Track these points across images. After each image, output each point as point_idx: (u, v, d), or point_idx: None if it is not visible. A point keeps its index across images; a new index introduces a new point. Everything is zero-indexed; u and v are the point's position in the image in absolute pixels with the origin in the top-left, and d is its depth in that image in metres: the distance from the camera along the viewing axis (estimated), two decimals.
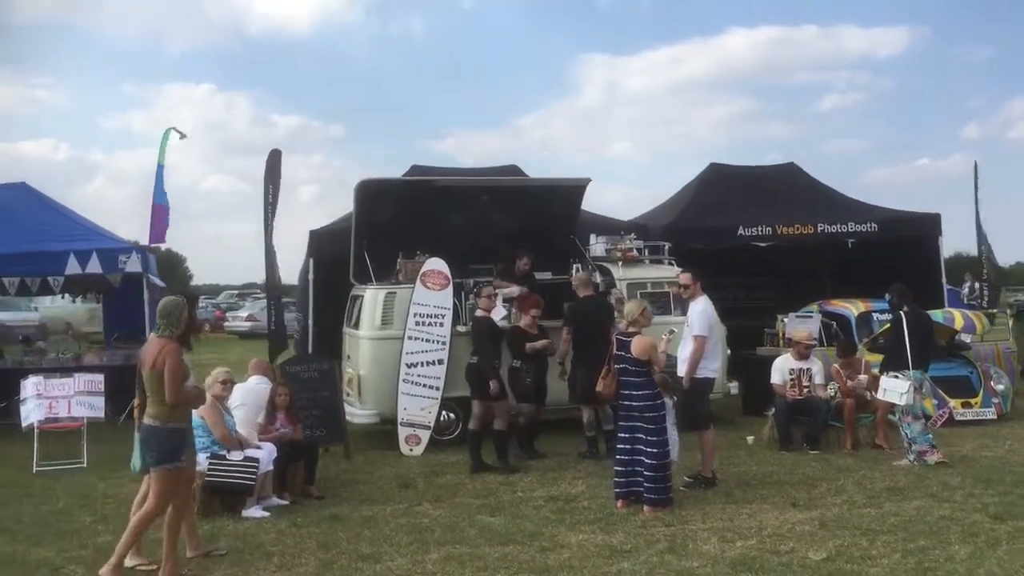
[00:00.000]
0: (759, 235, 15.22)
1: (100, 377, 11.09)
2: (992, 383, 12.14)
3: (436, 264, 11.22)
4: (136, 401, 6.62)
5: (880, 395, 9.68)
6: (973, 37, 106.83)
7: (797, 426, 10.61)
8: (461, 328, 11.20)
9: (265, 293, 17.18)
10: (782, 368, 10.93)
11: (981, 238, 16.92)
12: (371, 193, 11.82)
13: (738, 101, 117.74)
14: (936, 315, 11.68)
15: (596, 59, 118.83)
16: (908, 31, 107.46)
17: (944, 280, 15.85)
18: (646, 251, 12.81)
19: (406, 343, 10.96)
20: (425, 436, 10.91)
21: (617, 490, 8.16)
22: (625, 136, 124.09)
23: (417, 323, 11.01)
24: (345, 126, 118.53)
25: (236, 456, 8.20)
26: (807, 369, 10.85)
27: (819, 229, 15.39)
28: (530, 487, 9.02)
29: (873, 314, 13.23)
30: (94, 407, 10.87)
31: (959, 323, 12.32)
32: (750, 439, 10.92)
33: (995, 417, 11.87)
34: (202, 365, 17.38)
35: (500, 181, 13.25)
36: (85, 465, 10.33)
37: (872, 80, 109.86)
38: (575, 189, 12.61)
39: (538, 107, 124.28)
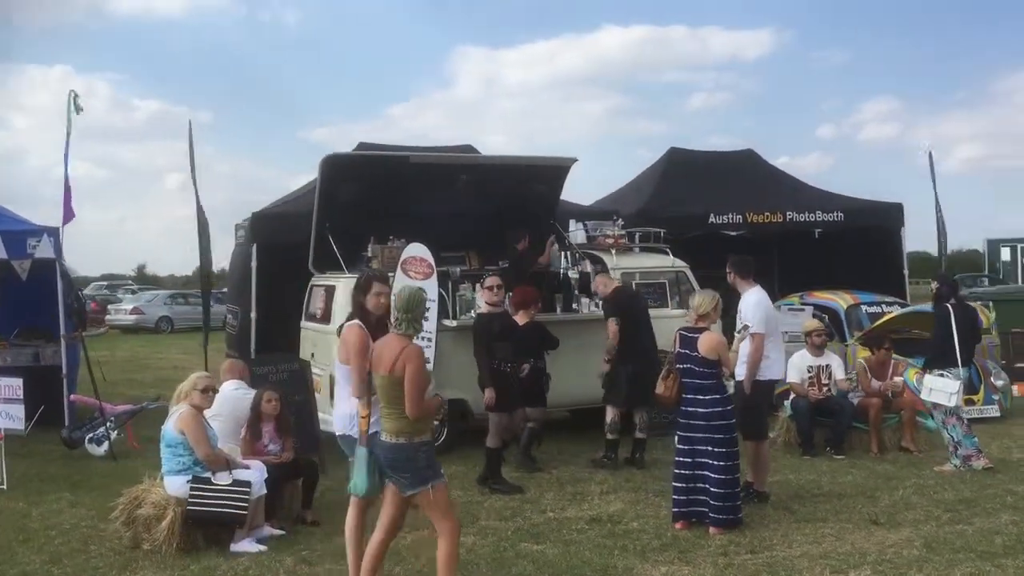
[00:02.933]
0: (729, 223, 14.52)
1: (19, 382, 9.40)
2: (992, 379, 11.61)
3: (418, 250, 9.89)
4: (361, 411, 5.45)
5: (925, 395, 8.86)
6: (829, 42, 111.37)
7: (818, 428, 9.78)
8: (448, 322, 9.93)
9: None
10: (799, 365, 10.02)
11: (941, 232, 16.54)
12: (338, 170, 10.38)
13: (611, 97, 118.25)
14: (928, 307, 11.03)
15: (472, 52, 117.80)
16: (770, 34, 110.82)
17: (907, 272, 15.50)
18: (627, 238, 11.81)
19: None
20: None
21: (676, 510, 7.09)
22: (500, 129, 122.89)
23: None
24: (213, 113, 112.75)
25: (223, 479, 6.76)
26: (826, 366, 10.01)
27: (788, 218, 14.80)
28: (557, 505, 7.85)
29: (862, 307, 12.59)
30: (13, 417, 9.20)
31: None
32: None
33: (998, 415, 11.35)
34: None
35: (482, 159, 11.95)
36: (5, 487, 8.65)
37: (738, 80, 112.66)
38: (559, 169, 11.45)
39: (413, 97, 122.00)
